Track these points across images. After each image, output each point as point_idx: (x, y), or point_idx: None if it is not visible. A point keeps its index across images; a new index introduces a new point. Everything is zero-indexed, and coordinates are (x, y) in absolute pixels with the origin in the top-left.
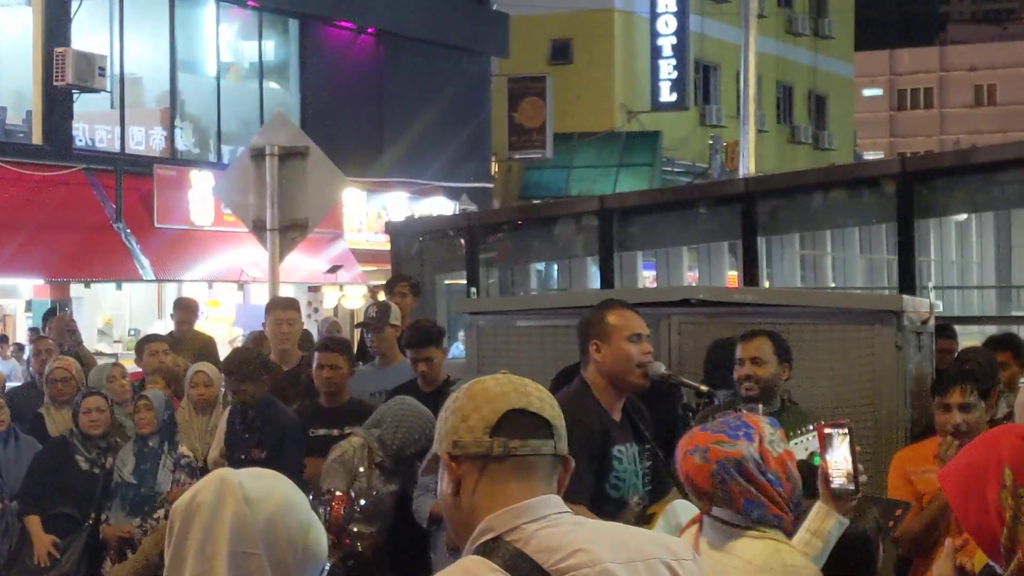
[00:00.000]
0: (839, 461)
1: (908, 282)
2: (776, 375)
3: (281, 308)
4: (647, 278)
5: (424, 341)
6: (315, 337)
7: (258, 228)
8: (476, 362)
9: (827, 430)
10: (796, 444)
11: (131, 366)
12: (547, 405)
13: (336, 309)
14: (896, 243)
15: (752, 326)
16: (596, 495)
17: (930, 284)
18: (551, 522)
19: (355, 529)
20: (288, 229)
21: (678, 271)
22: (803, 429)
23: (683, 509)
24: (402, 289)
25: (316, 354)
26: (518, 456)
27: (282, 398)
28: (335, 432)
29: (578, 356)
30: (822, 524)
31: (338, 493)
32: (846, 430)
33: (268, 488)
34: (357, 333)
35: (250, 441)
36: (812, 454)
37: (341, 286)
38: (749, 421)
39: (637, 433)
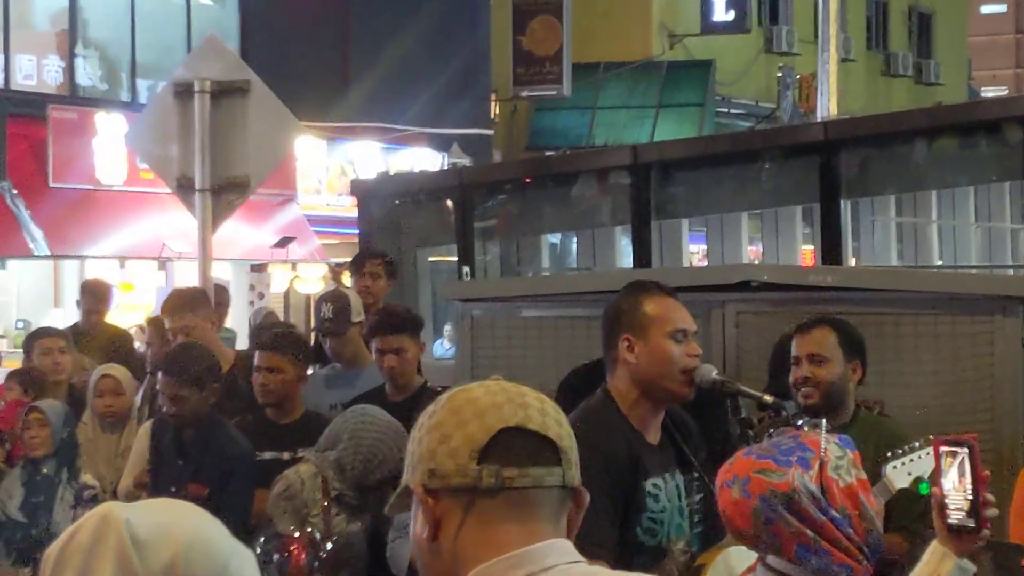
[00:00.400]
0: (958, 488)
1: None
2: (843, 376)
3: (169, 312)
4: (695, 254)
5: (393, 327)
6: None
7: (184, 188)
8: (469, 364)
9: (943, 448)
10: (897, 467)
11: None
12: (552, 421)
13: (287, 294)
14: (1022, 207)
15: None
16: (626, 542)
17: None
18: (559, 574)
19: None
20: (224, 190)
21: (735, 244)
22: (907, 447)
23: (741, 557)
24: (374, 268)
25: (256, 354)
26: (515, 489)
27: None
28: (285, 456)
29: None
30: (937, 569)
31: (297, 535)
32: (967, 448)
33: (166, 526)
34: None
35: (185, 471)
36: (918, 480)
37: (294, 264)
38: (808, 442)
39: (681, 459)
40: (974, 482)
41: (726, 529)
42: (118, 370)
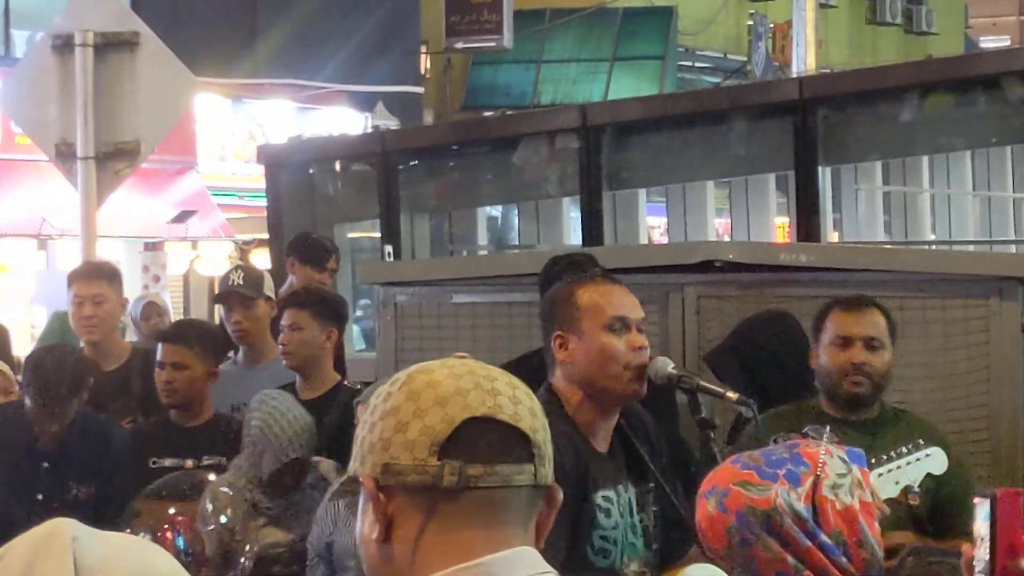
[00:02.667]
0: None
1: None
2: (892, 366)
3: (83, 280)
4: (655, 228)
5: (299, 302)
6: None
7: (64, 156)
8: (393, 357)
9: (978, 499)
10: (883, 475)
11: None
12: (525, 411)
13: (187, 276)
14: None
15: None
16: (575, 563)
17: None
18: None
19: None
20: (110, 157)
21: (700, 217)
22: (894, 452)
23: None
24: (334, 264)
25: (158, 347)
26: (480, 489)
27: (105, 410)
28: (188, 463)
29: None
30: None
31: (203, 551)
32: (989, 498)
33: (113, 559)
34: (217, 313)
35: (56, 473)
36: (906, 489)
37: (194, 242)
38: (804, 454)
39: (634, 467)
40: (993, 537)
41: (703, 545)
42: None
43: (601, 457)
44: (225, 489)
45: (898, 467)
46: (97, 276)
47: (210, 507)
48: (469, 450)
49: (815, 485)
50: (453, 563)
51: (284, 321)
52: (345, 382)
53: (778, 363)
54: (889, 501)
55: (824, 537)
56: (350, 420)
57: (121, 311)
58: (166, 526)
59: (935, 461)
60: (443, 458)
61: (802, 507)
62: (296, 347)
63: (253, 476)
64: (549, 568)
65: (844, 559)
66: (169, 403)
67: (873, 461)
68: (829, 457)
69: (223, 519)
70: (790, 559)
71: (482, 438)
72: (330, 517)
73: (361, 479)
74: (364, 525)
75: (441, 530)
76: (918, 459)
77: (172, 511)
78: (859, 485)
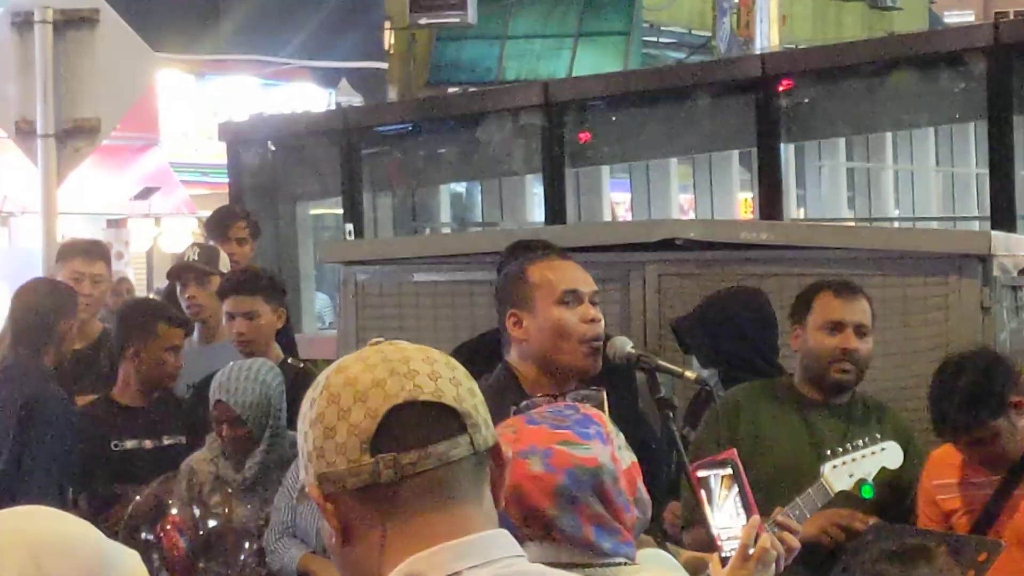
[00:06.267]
0: (728, 517)
1: (1005, 209)
2: (871, 355)
3: (82, 257)
4: (619, 204)
5: (244, 286)
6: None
7: (23, 133)
8: (355, 337)
9: (701, 472)
10: (837, 467)
11: None
12: (446, 383)
13: (150, 253)
14: (988, 150)
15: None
16: None
17: None
18: (503, 568)
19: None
20: (70, 135)
21: (664, 194)
22: (849, 445)
23: (658, 562)
24: (240, 232)
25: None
26: (420, 475)
27: (70, 388)
28: (147, 444)
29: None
30: None
31: (175, 514)
32: (730, 468)
33: (12, 532)
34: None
35: None
36: (860, 482)
37: (157, 218)
38: (593, 416)
39: None
40: (746, 504)
41: (507, 511)
42: None
43: None
44: (195, 465)
45: (853, 460)
46: (98, 255)
47: (184, 484)
48: (399, 439)
49: (612, 445)
50: (418, 550)
51: (233, 308)
52: (289, 359)
53: (743, 337)
54: (842, 493)
55: (623, 497)
56: (298, 395)
57: (107, 289)
58: (155, 556)
59: (890, 455)
60: (375, 453)
61: (612, 466)
62: (254, 335)
63: (221, 450)
64: (522, 552)
65: (630, 514)
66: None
67: (828, 453)
68: (606, 418)
69: (195, 493)
70: (606, 514)
71: (409, 423)
72: (289, 488)
73: (309, 491)
74: (324, 532)
75: (395, 523)
76: (873, 452)
77: (150, 537)
78: (627, 447)
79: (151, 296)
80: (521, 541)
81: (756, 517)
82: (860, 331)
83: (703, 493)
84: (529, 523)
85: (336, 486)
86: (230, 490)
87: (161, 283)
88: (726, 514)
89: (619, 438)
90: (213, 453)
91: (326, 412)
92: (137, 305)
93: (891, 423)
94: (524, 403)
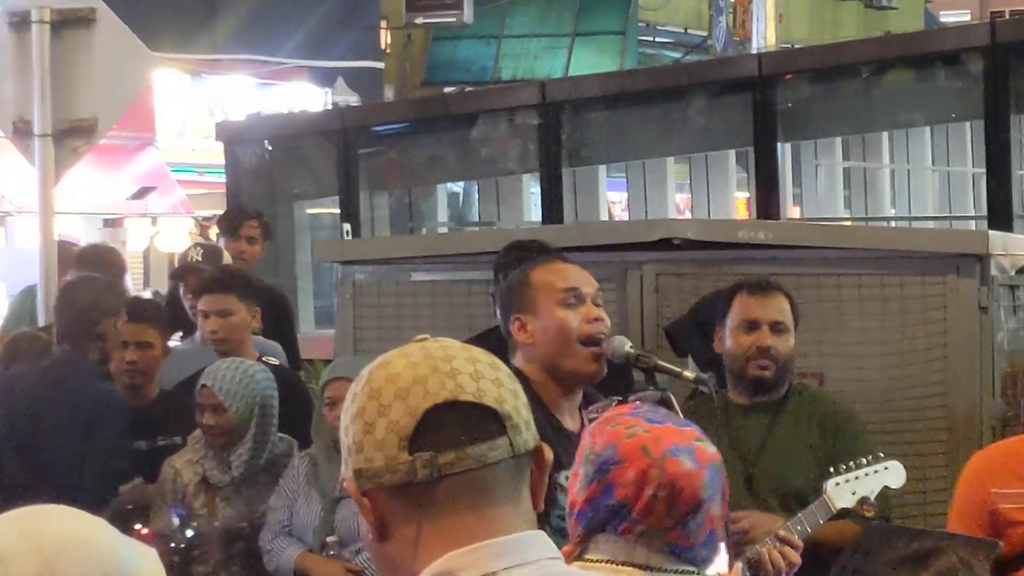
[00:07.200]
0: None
1: (1002, 209)
2: (794, 352)
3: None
4: (616, 203)
5: (217, 285)
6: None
7: (21, 133)
8: (352, 337)
9: None
10: (840, 484)
11: None
12: (489, 384)
13: (147, 253)
14: (984, 149)
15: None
16: None
17: None
18: (540, 570)
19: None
20: (67, 135)
21: (660, 193)
22: (853, 462)
23: None
24: (251, 231)
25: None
26: (457, 475)
27: None
28: (143, 445)
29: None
30: None
31: (145, 530)
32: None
33: (29, 534)
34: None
35: None
36: (863, 500)
37: (154, 218)
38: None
39: None
40: (729, 549)
41: (668, 508)
42: None
43: (569, 437)
44: (178, 466)
45: (856, 477)
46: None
47: (167, 484)
48: (438, 438)
49: None
50: (450, 551)
51: (207, 306)
52: (264, 358)
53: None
54: (844, 511)
55: None
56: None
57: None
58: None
59: (893, 474)
60: (413, 451)
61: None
62: (229, 332)
63: (207, 450)
64: (558, 554)
65: None
66: (129, 385)
67: (832, 470)
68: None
69: (179, 495)
70: (721, 518)
71: (449, 423)
72: (286, 489)
73: (346, 484)
74: (362, 526)
75: (431, 522)
76: (876, 471)
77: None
78: None
79: (147, 295)
80: (594, 531)
81: (739, 564)
82: (776, 328)
83: None
84: (668, 521)
85: (373, 482)
86: (216, 494)
87: (158, 283)
88: None
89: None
90: (198, 455)
91: (367, 407)
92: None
93: (830, 420)
94: (597, 405)
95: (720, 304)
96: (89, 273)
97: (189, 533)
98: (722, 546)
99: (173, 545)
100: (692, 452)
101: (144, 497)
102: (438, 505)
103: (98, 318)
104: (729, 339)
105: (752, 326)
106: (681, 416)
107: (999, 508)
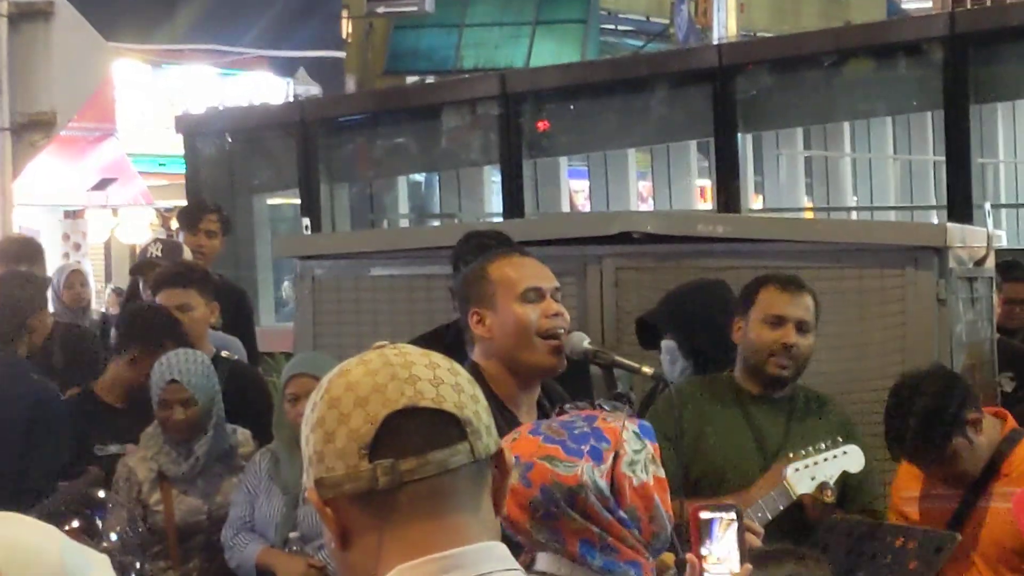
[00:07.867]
0: (722, 554)
1: (961, 200)
2: (812, 352)
3: (14, 260)
4: (577, 193)
5: (177, 279)
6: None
7: None
8: (311, 332)
9: (705, 514)
10: (799, 470)
11: None
12: (448, 389)
13: (108, 244)
14: (945, 138)
15: (771, 270)
16: None
17: (987, 204)
18: None
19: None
20: (26, 128)
21: (622, 183)
22: (812, 448)
23: None
24: (211, 225)
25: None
26: (417, 482)
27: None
28: (129, 448)
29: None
30: None
31: (76, 524)
32: (733, 515)
33: None
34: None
35: None
36: (822, 485)
37: (115, 209)
38: (605, 430)
39: None
40: (740, 550)
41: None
42: None
43: None
44: (132, 464)
45: (815, 463)
46: (18, 257)
47: (121, 483)
48: (398, 445)
49: (615, 462)
50: (409, 560)
51: (166, 301)
52: (223, 353)
53: (718, 327)
54: (804, 496)
55: (622, 513)
56: (234, 389)
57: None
58: None
59: (852, 459)
60: (374, 459)
61: (604, 484)
62: (188, 327)
63: (163, 445)
64: (516, 565)
65: (636, 530)
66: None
67: (791, 455)
68: (627, 433)
69: (134, 492)
70: (595, 529)
71: (408, 430)
72: (248, 484)
73: (308, 494)
74: (325, 535)
75: (393, 529)
76: (835, 456)
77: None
78: (653, 461)
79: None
80: (535, 550)
81: (748, 566)
82: (801, 327)
83: (698, 533)
84: (514, 534)
85: (335, 491)
86: (173, 486)
87: (120, 274)
88: (723, 547)
89: (641, 454)
90: (152, 451)
91: (326, 416)
92: (152, 315)
93: (834, 418)
94: (566, 406)
95: (743, 294)
96: (12, 267)
97: (143, 526)
98: (732, 545)
99: (125, 546)
100: (528, 468)
101: (80, 494)
102: (399, 513)
103: (28, 313)
104: (752, 332)
105: (779, 322)
106: (634, 418)
107: (904, 511)
